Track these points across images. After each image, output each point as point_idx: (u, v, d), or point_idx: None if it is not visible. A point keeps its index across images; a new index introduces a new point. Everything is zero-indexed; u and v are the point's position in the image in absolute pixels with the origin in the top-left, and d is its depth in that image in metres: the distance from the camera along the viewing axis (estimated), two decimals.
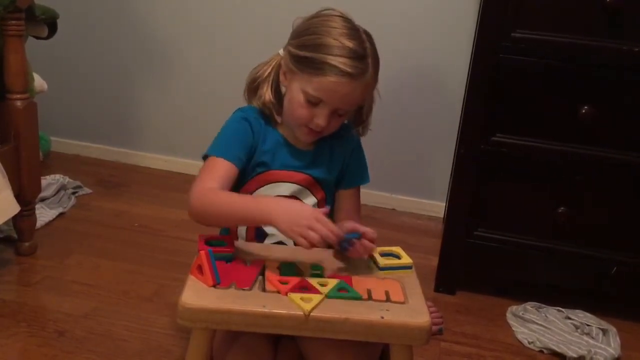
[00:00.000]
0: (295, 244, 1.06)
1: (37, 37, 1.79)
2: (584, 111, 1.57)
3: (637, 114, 1.58)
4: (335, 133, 1.25)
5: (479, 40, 1.65)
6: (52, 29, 1.77)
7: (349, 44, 1.13)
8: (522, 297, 1.75)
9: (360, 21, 1.20)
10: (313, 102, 1.15)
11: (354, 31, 1.16)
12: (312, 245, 1.02)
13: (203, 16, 2.38)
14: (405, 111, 2.28)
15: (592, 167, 1.63)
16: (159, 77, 2.48)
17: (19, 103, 1.63)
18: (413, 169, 2.37)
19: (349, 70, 1.11)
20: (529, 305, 1.71)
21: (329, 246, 1.09)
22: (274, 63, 1.24)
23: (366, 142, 1.33)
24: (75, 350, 1.38)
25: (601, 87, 1.58)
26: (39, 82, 1.92)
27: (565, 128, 1.61)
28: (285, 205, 1.06)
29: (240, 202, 1.11)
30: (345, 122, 1.27)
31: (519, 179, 1.68)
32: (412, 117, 2.30)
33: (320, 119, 1.16)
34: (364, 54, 1.14)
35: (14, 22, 1.57)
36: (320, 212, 1.05)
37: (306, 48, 1.15)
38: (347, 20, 1.18)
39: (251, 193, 1.24)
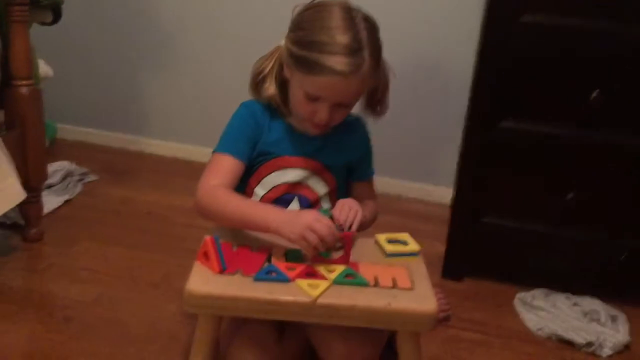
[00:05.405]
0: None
1: (42, 23, 1.78)
2: (594, 96, 1.55)
3: None
4: (347, 123, 1.24)
5: (486, 25, 1.63)
6: (57, 14, 1.76)
7: (343, 39, 1.08)
8: (530, 283, 1.74)
9: (366, 8, 1.17)
10: (312, 98, 1.13)
11: (349, 21, 1.11)
12: (314, 247, 1.00)
13: (210, 2, 2.36)
14: (412, 97, 2.26)
15: (602, 153, 1.61)
16: (165, 64, 2.47)
17: (24, 89, 1.63)
18: (420, 155, 2.36)
19: (342, 68, 1.08)
20: (537, 292, 1.70)
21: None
22: (276, 55, 1.21)
23: (372, 128, 1.32)
24: (83, 336, 1.39)
25: (611, 71, 1.56)
26: (43, 68, 1.92)
27: (575, 113, 1.60)
28: (287, 212, 1.08)
29: (246, 207, 1.12)
30: (358, 113, 1.26)
31: (526, 165, 1.66)
32: (419, 103, 2.28)
33: (322, 114, 1.14)
34: (359, 46, 1.09)
35: (18, 7, 1.57)
36: (320, 214, 1.05)
37: (300, 45, 1.11)
38: (343, 8, 1.13)
39: (260, 180, 1.23)
